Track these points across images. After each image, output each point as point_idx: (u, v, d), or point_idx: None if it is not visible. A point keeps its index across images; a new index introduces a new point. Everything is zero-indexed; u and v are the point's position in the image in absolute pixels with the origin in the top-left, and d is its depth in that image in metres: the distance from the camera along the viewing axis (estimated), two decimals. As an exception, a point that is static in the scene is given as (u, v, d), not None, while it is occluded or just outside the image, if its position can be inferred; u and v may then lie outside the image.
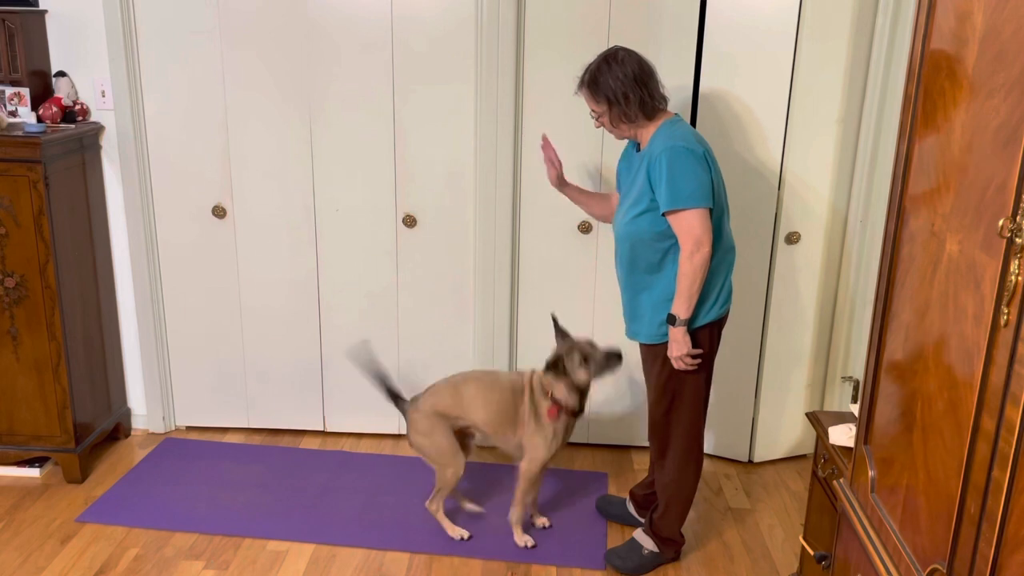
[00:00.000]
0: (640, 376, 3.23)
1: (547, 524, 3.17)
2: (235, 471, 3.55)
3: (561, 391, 2.89)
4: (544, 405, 2.92)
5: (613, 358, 2.86)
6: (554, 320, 2.98)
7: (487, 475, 3.54)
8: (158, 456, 3.65)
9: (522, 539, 3.06)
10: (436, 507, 3.11)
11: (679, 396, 2.78)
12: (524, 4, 3.31)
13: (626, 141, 2.84)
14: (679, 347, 2.65)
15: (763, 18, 3.22)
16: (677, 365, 2.68)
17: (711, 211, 2.58)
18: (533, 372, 3.02)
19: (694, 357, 2.67)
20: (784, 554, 3.09)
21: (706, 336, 2.72)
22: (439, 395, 3.04)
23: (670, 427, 2.84)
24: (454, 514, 3.20)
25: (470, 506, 3.26)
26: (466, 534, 3.10)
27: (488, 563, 2.99)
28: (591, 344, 2.90)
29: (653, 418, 2.89)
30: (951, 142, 1.52)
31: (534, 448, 2.95)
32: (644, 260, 2.70)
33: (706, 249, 2.55)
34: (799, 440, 3.73)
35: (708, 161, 2.58)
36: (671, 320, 2.63)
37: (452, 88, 3.42)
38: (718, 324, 2.75)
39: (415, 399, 3.08)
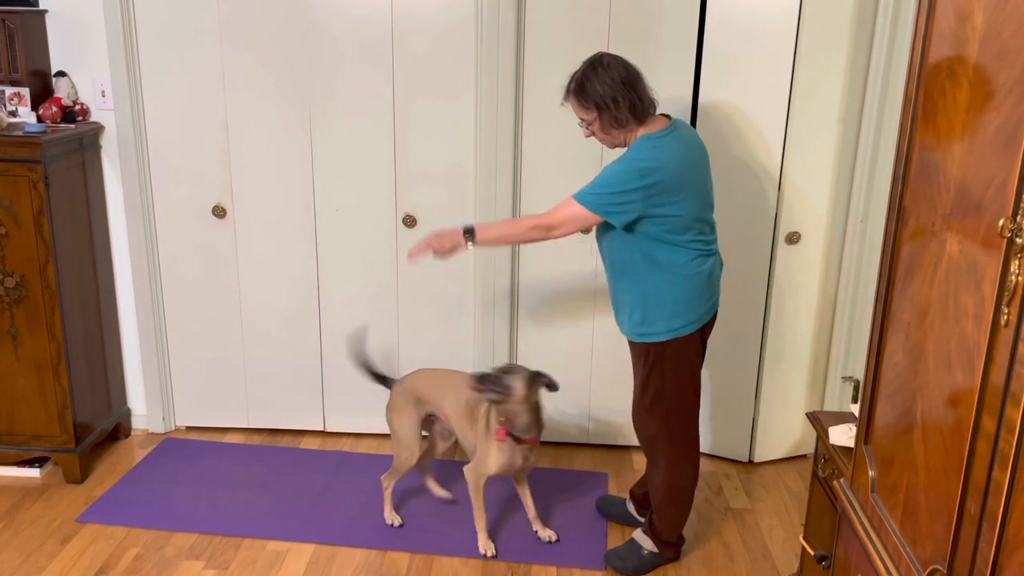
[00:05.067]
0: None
1: (553, 538, 3.10)
2: (235, 471, 3.55)
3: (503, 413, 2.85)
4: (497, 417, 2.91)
5: (488, 388, 2.77)
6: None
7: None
8: (158, 456, 3.65)
9: (484, 546, 3.03)
10: (388, 484, 3.18)
11: (661, 396, 2.78)
12: (524, 4, 3.31)
13: None
14: (443, 244, 2.72)
15: (763, 18, 3.21)
16: (426, 243, 2.74)
17: (602, 222, 2.62)
18: None
19: (674, 367, 2.73)
20: (784, 554, 3.09)
21: (693, 343, 2.74)
22: (421, 377, 3.12)
23: (654, 427, 2.84)
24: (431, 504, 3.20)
25: (438, 491, 3.34)
26: (398, 521, 3.17)
27: (488, 563, 2.99)
28: (502, 372, 2.83)
29: (637, 416, 2.91)
30: (951, 142, 1.52)
31: (480, 454, 2.94)
32: (621, 260, 2.71)
33: (554, 234, 2.62)
34: (799, 440, 3.73)
35: (645, 192, 2.52)
36: (467, 229, 2.68)
37: (452, 88, 3.42)
38: (701, 333, 2.76)
39: (403, 377, 3.17)
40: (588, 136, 2.72)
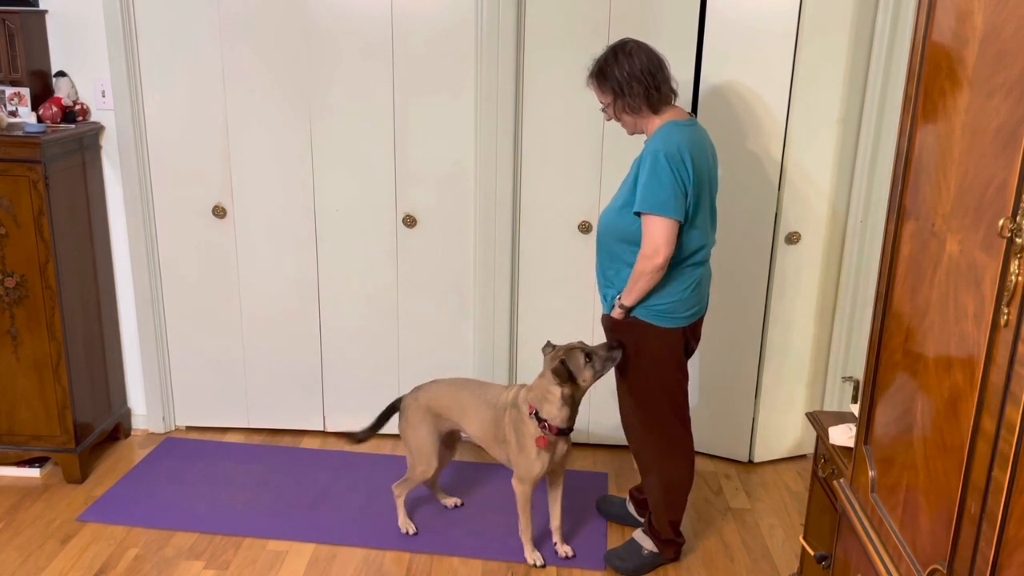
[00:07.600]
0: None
1: (570, 554, 3.00)
2: (235, 471, 3.55)
3: (552, 407, 2.77)
4: (531, 425, 2.80)
5: (614, 348, 2.76)
6: (549, 345, 2.92)
7: (481, 475, 3.54)
8: (158, 456, 3.65)
9: (531, 556, 2.98)
10: (400, 492, 3.14)
11: (648, 392, 2.78)
12: (524, 4, 3.31)
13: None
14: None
15: (763, 18, 3.22)
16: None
17: (681, 224, 2.56)
18: (520, 388, 2.92)
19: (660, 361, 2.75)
20: (784, 554, 3.09)
21: (677, 337, 2.73)
22: (439, 393, 3.04)
23: (645, 423, 2.85)
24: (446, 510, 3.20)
25: (447, 500, 3.31)
26: (412, 529, 3.13)
27: (488, 563, 2.99)
28: (584, 343, 2.82)
29: (627, 417, 2.91)
30: (951, 142, 1.52)
31: (518, 467, 2.88)
32: (617, 253, 2.70)
33: (660, 260, 2.54)
34: (799, 440, 3.73)
35: (690, 174, 2.54)
36: (620, 305, 2.69)
37: (452, 87, 3.42)
38: (688, 328, 2.76)
39: (416, 389, 3.09)
40: (608, 120, 2.75)
